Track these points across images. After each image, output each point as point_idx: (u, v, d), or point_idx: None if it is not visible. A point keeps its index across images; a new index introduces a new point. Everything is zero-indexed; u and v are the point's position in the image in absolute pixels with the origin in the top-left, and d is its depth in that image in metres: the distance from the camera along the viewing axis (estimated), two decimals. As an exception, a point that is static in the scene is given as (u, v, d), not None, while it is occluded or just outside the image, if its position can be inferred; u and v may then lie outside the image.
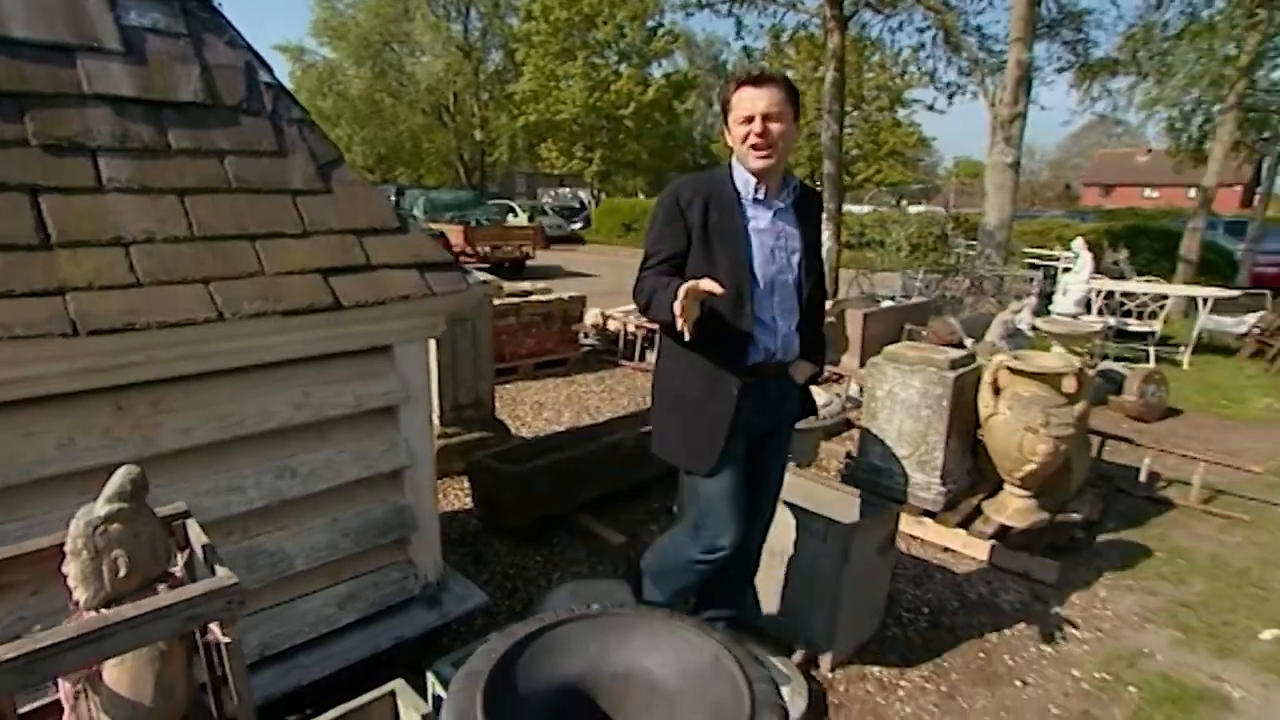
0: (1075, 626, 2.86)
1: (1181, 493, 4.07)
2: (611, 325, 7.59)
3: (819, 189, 2.41)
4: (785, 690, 2.32)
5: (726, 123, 1.94)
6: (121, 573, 1.19)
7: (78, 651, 1.05)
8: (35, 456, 1.62)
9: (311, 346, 1.97)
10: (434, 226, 14.15)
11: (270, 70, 2.13)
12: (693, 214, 1.91)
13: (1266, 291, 7.92)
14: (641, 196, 29.40)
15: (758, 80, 1.85)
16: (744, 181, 1.96)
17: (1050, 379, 3.32)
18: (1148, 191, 41.11)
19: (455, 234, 14.06)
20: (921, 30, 10.01)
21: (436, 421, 4.09)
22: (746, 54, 10.92)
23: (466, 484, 3.76)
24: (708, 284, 1.67)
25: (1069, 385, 3.32)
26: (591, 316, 7.59)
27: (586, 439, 3.91)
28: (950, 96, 10.59)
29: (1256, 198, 14.06)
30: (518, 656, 1.34)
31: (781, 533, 2.57)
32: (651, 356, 6.88)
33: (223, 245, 1.81)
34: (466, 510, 3.71)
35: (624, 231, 24.06)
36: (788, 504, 2.58)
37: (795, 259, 2.00)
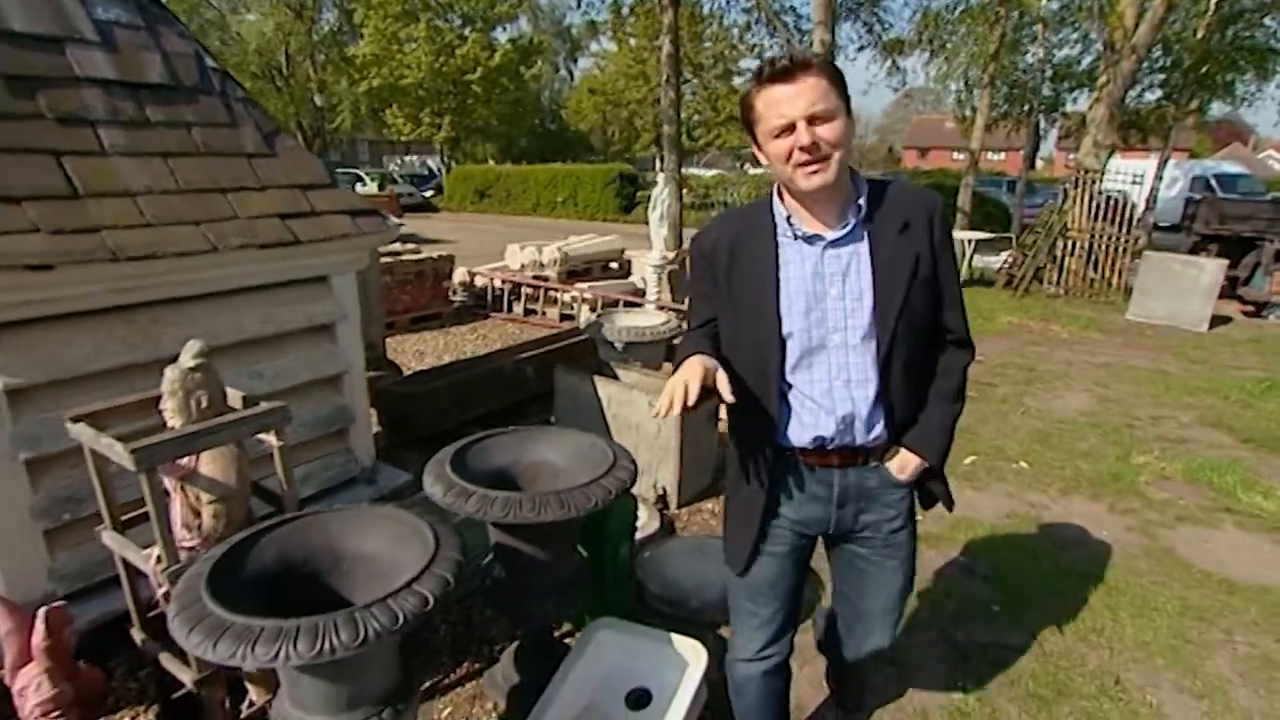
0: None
1: (935, 383, 5.40)
2: (479, 281, 8.17)
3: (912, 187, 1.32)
4: (643, 517, 3.23)
5: (754, 138, 1.40)
6: (204, 405, 1.82)
7: (204, 438, 1.70)
8: (76, 358, 2.15)
9: (275, 275, 2.56)
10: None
11: (213, 57, 2.64)
12: (718, 263, 1.49)
13: (1011, 235, 9.88)
14: (492, 163, 29.30)
15: (788, 72, 1.29)
16: (781, 214, 1.44)
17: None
18: (956, 155, 46.18)
19: (307, 202, 13.76)
20: (746, 11, 11.14)
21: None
22: (593, 28, 11.52)
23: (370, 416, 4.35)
24: (696, 385, 1.29)
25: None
26: (459, 275, 8.13)
27: (472, 366, 4.61)
28: (774, 70, 11.80)
29: (1038, 161, 16.84)
30: (467, 451, 2.10)
31: (635, 410, 3.46)
32: (519, 308, 7.58)
33: (204, 196, 2.37)
34: (374, 435, 4.30)
35: (478, 198, 24.09)
36: (638, 389, 3.47)
37: (866, 303, 1.40)
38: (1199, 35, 12.94)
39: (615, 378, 3.92)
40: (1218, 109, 17.49)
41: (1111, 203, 8.84)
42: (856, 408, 1.45)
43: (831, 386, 1.45)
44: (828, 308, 1.42)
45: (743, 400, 1.42)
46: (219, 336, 2.47)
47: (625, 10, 11.60)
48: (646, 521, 3.18)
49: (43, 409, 2.12)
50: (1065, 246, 8.77)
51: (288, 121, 29.48)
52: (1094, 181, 8.69)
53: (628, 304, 6.77)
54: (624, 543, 2.50)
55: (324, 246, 2.61)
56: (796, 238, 1.42)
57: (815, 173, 1.31)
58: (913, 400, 1.51)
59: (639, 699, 2.13)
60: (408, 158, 33.37)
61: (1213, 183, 17.38)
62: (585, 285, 7.35)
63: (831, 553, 1.71)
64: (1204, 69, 13.71)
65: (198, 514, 1.85)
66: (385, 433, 4.24)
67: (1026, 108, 14.98)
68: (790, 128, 1.30)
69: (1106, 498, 3.64)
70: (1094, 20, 10.37)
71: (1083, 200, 8.74)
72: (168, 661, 1.90)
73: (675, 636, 2.16)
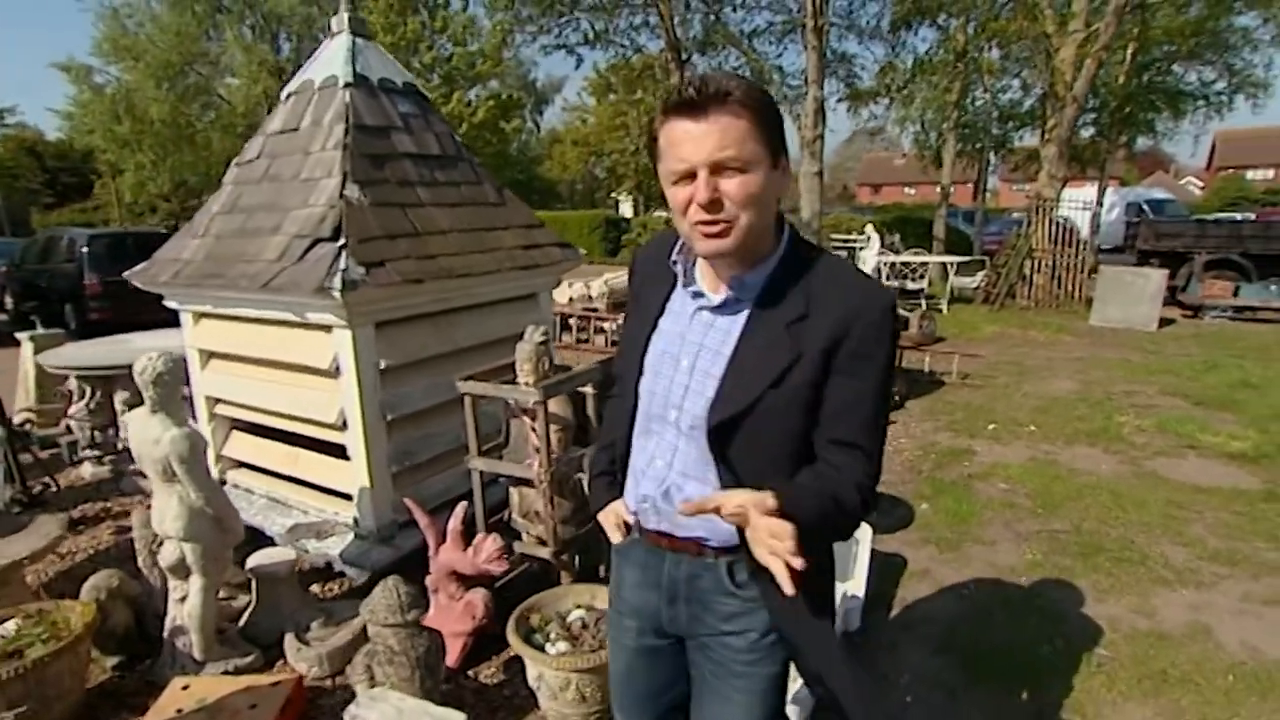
0: (903, 438, 5.00)
1: (947, 376, 6.52)
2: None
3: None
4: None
5: (656, 171, 1.11)
6: (546, 367, 2.75)
7: (566, 384, 2.64)
8: (412, 348, 3.07)
9: (514, 291, 3.52)
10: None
11: (455, 133, 3.63)
12: (636, 285, 1.33)
13: (986, 258, 11.33)
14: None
15: (695, 105, 1.00)
16: (680, 256, 1.20)
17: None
18: (908, 189, 48.89)
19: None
20: (737, 69, 12.49)
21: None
22: (599, 74, 12.62)
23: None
24: (622, 512, 1.30)
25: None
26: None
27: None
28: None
29: (983, 194, 18.74)
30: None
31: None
32: (569, 338, 8.53)
33: (478, 234, 3.33)
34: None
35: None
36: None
37: (707, 391, 1.13)
38: (1120, 81, 14.78)
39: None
40: (1142, 143, 19.56)
41: (1065, 226, 10.26)
42: (663, 495, 1.20)
43: (650, 463, 1.23)
44: (674, 378, 1.17)
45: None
46: (484, 335, 3.40)
47: (633, 70, 12.89)
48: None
49: (395, 384, 3.03)
50: (1033, 265, 10.13)
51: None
52: (1052, 208, 10.11)
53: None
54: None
55: (545, 270, 3.58)
56: (685, 286, 1.19)
57: (712, 237, 1.05)
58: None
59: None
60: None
61: (1144, 208, 19.31)
62: (628, 313, 8.34)
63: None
64: (1127, 109, 15.57)
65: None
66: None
67: (978, 145, 16.69)
68: (690, 175, 1.03)
69: (1100, 444, 4.73)
70: (1035, 70, 12.00)
71: (1043, 225, 10.13)
72: (522, 546, 2.78)
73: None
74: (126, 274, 3.50)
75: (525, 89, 47.16)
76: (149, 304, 10.82)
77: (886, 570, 3.14)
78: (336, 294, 2.60)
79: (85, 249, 10.28)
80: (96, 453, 4.47)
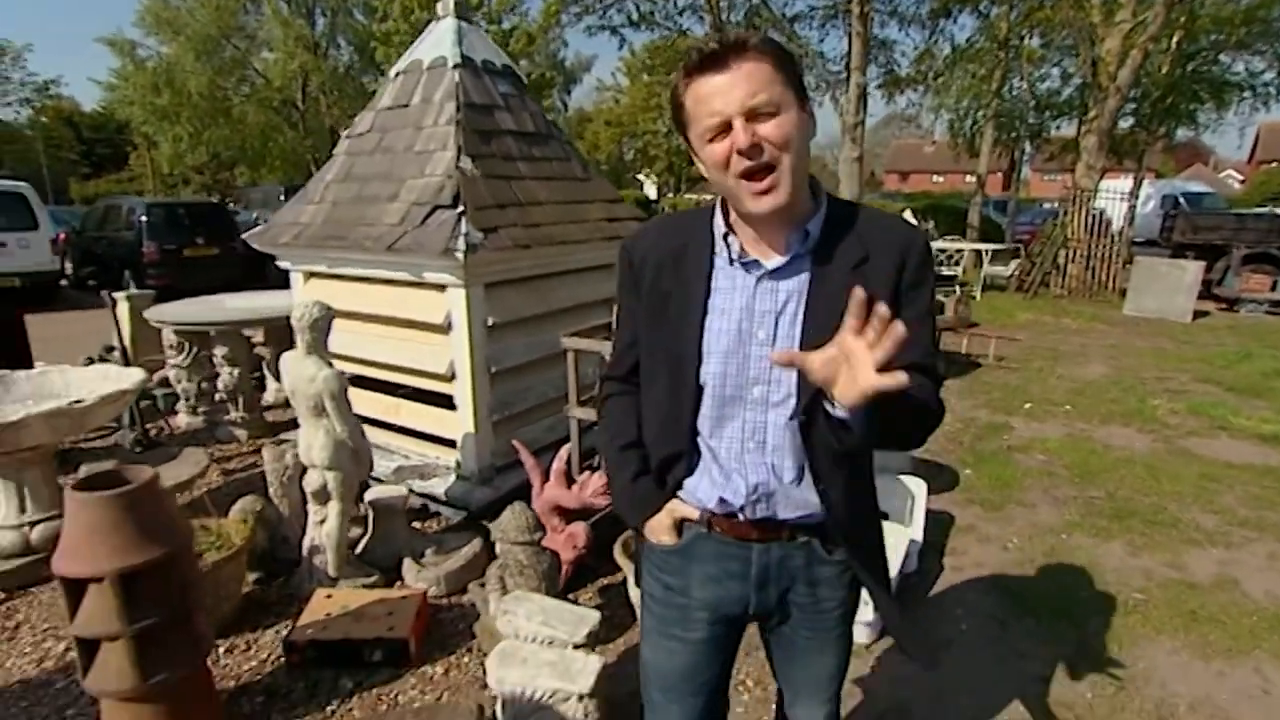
0: (940, 413, 5.27)
1: (983, 359, 6.75)
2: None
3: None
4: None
5: (689, 142, 1.14)
6: (638, 326, 3.06)
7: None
8: (514, 307, 3.38)
9: (600, 259, 3.81)
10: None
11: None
12: (643, 279, 1.24)
13: (1020, 245, 11.49)
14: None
15: (719, 58, 1.03)
16: (720, 229, 1.18)
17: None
18: (935, 177, 48.47)
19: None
20: (779, 53, 12.61)
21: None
22: (633, 54, 12.74)
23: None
24: (683, 510, 1.27)
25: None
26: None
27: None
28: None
29: (1017, 184, 18.77)
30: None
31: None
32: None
33: (570, 206, 3.63)
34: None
35: (498, 223, 25.34)
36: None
37: (796, 349, 1.11)
38: (1164, 70, 14.68)
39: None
40: (1182, 134, 19.35)
41: (1102, 217, 10.37)
42: (774, 476, 1.18)
43: (743, 449, 1.19)
44: (751, 353, 1.15)
45: (651, 443, 1.29)
46: (575, 299, 3.71)
47: (676, 52, 13.06)
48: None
49: (498, 341, 3.35)
50: (1067, 255, 10.26)
51: (303, 154, 30.71)
52: (1090, 199, 10.22)
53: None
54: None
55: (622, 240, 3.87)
56: (732, 261, 1.17)
57: (765, 192, 1.05)
58: (853, 480, 1.20)
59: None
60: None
61: (1181, 201, 19.15)
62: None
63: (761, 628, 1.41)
64: (1169, 100, 15.45)
65: (632, 392, 3.08)
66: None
67: (1014, 134, 16.67)
68: (726, 127, 1.04)
69: (1134, 424, 4.97)
70: (1078, 59, 12.02)
71: (1079, 215, 10.24)
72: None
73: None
74: (245, 235, 3.84)
75: (555, 68, 47.33)
76: (202, 271, 11.29)
77: (936, 525, 3.43)
78: (460, 255, 2.92)
79: (143, 218, 10.72)
80: (192, 404, 4.86)
